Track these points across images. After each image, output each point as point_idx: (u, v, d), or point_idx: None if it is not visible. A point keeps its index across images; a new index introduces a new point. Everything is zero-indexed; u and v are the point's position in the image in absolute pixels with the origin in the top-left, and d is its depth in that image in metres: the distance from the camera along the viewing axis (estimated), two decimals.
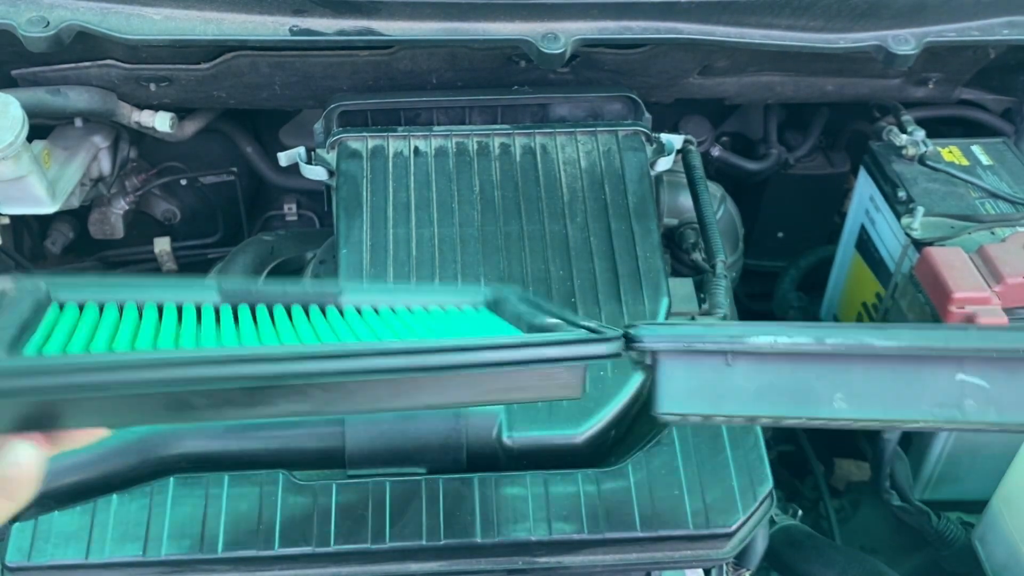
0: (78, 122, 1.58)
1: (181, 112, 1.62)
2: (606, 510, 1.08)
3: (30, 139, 1.38)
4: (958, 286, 1.33)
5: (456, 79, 1.53)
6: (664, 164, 1.47)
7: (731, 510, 1.09)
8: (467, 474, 1.11)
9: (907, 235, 1.51)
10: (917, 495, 1.57)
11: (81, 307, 0.72)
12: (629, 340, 0.83)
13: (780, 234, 2.07)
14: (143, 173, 1.87)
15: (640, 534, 1.07)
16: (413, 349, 0.70)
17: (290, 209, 2.02)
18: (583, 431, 1.14)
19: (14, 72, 1.47)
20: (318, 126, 1.44)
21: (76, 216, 1.85)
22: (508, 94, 1.48)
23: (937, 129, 1.77)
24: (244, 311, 0.79)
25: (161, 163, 1.89)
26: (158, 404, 0.64)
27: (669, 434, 1.16)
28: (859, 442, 1.64)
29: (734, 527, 1.09)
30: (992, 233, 1.48)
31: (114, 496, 1.07)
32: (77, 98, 1.47)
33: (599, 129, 1.43)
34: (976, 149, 1.68)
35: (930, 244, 1.45)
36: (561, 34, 1.39)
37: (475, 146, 1.41)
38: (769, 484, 1.12)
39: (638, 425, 1.23)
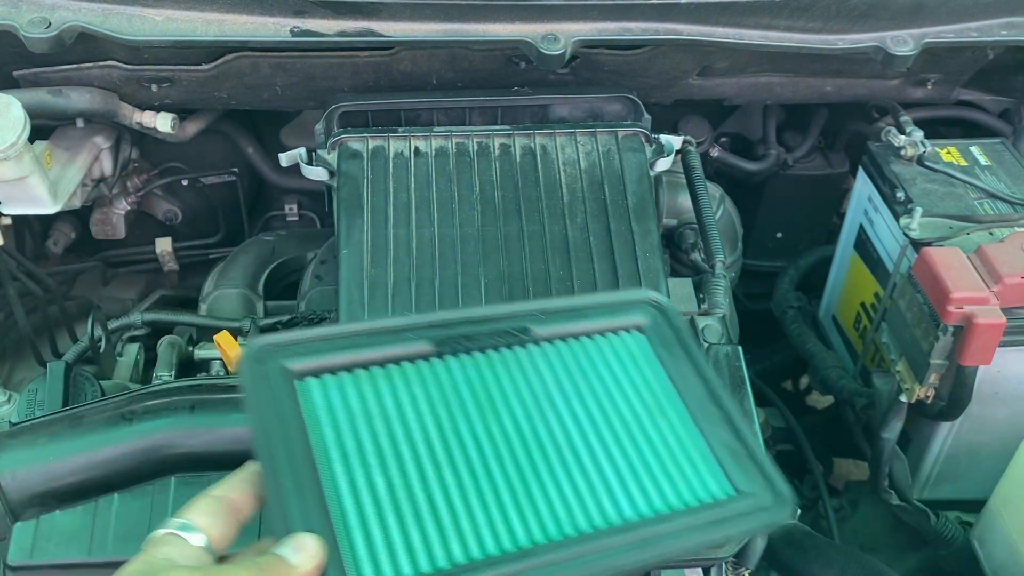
0: (80, 123, 1.58)
1: (182, 113, 1.63)
2: None
3: (32, 140, 1.38)
4: (956, 286, 1.33)
5: (456, 80, 1.53)
6: (663, 165, 1.48)
7: None
8: None
9: (905, 235, 1.51)
10: (916, 494, 1.58)
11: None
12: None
13: (779, 234, 2.07)
14: (144, 174, 1.87)
15: None
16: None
17: (291, 209, 2.02)
18: None
19: (16, 73, 1.47)
20: (319, 127, 1.45)
21: (77, 216, 1.86)
22: (508, 95, 1.49)
23: (936, 130, 1.78)
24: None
25: (162, 164, 1.89)
26: None
27: None
28: (858, 441, 1.64)
29: None
30: (990, 233, 1.48)
31: (116, 495, 1.08)
32: (79, 99, 1.48)
33: (599, 130, 1.44)
34: (974, 150, 1.68)
35: (928, 244, 1.46)
36: (561, 35, 1.40)
37: (475, 147, 1.41)
38: None
39: None
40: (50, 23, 1.33)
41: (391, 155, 1.39)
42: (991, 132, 1.80)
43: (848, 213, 1.78)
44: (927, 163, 1.62)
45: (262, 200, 2.07)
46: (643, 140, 1.44)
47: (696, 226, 1.57)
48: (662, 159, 1.47)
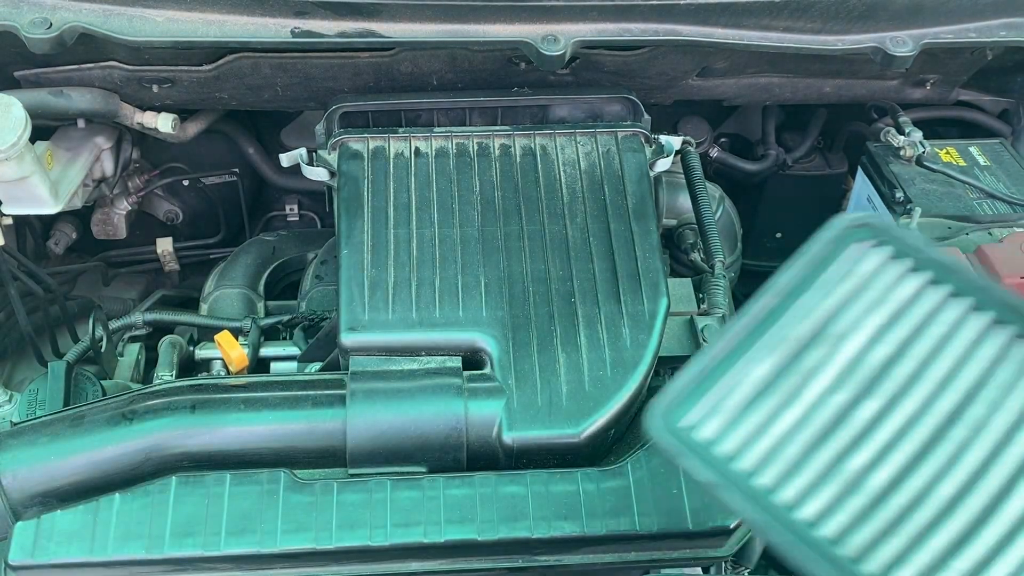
0: (81, 123, 1.58)
1: (183, 113, 1.63)
2: (605, 508, 1.09)
3: (33, 140, 1.39)
4: None
5: (456, 80, 1.54)
6: (663, 165, 1.48)
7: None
8: (467, 473, 1.12)
9: None
10: None
11: None
12: None
13: (778, 234, 2.07)
14: (145, 174, 1.87)
15: (639, 532, 1.08)
16: None
17: (292, 210, 2.03)
18: (583, 430, 1.14)
19: (17, 73, 1.48)
20: (319, 127, 1.45)
21: (79, 216, 1.86)
22: (508, 95, 1.49)
23: (935, 130, 1.78)
24: None
25: (163, 164, 1.90)
26: None
27: None
28: None
29: (733, 525, 1.10)
30: (989, 234, 1.49)
31: (117, 495, 1.08)
32: (80, 99, 1.48)
33: (599, 130, 1.44)
34: (973, 150, 1.68)
35: None
36: (561, 36, 1.40)
37: (475, 147, 1.41)
38: None
39: (637, 424, 1.24)
40: (51, 24, 1.34)
41: (391, 155, 1.40)
42: (990, 132, 1.81)
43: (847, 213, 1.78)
44: (926, 163, 1.62)
45: (262, 200, 2.07)
46: (643, 140, 1.45)
47: (696, 226, 1.58)
48: (662, 159, 1.47)
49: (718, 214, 1.76)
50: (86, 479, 1.09)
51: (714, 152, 1.90)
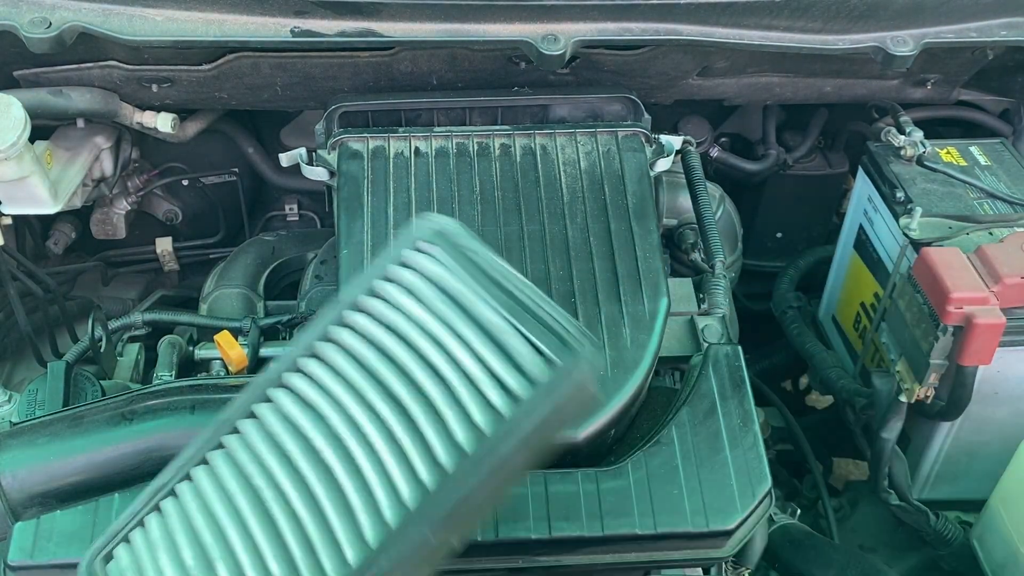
0: (80, 123, 1.58)
1: (183, 113, 1.63)
2: (605, 509, 1.09)
3: (32, 140, 1.39)
4: (956, 286, 1.33)
5: (456, 80, 1.53)
6: (663, 165, 1.48)
7: (730, 509, 1.10)
8: None
9: (905, 235, 1.51)
10: (915, 494, 1.58)
11: None
12: None
13: (779, 234, 2.07)
14: (145, 173, 1.87)
15: (639, 533, 1.08)
16: None
17: (291, 209, 2.02)
18: (583, 430, 1.14)
19: (16, 73, 1.47)
20: (319, 127, 1.45)
21: (78, 216, 1.86)
22: (508, 95, 1.49)
23: (935, 130, 1.78)
24: None
25: (163, 164, 1.89)
26: None
27: (668, 434, 1.16)
28: (858, 441, 1.64)
29: (733, 526, 1.10)
30: (990, 233, 1.48)
31: (116, 495, 1.08)
32: (79, 99, 1.48)
33: (599, 130, 1.44)
34: (974, 150, 1.68)
35: (928, 244, 1.46)
36: (561, 36, 1.40)
37: (475, 147, 1.41)
38: (768, 483, 1.12)
39: (638, 425, 1.24)
40: (51, 23, 1.33)
41: (391, 155, 1.39)
42: (991, 132, 1.80)
43: (848, 213, 1.78)
44: (927, 163, 1.62)
45: (262, 200, 2.07)
46: (643, 140, 1.44)
47: (696, 226, 1.58)
48: (662, 159, 1.47)
49: (718, 214, 1.76)
50: (86, 479, 1.09)
51: (714, 152, 1.89)
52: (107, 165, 1.69)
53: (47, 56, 1.38)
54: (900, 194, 1.57)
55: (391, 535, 0.86)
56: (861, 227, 1.71)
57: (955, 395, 1.40)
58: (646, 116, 1.48)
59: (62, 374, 1.39)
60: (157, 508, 0.94)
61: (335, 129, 1.44)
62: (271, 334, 1.51)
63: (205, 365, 1.51)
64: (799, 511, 1.57)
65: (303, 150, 1.46)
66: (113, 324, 1.60)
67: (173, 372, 1.47)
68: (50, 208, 1.48)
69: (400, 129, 1.43)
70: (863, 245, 1.71)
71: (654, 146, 1.46)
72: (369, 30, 1.40)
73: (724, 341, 1.29)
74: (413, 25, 1.41)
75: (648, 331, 1.22)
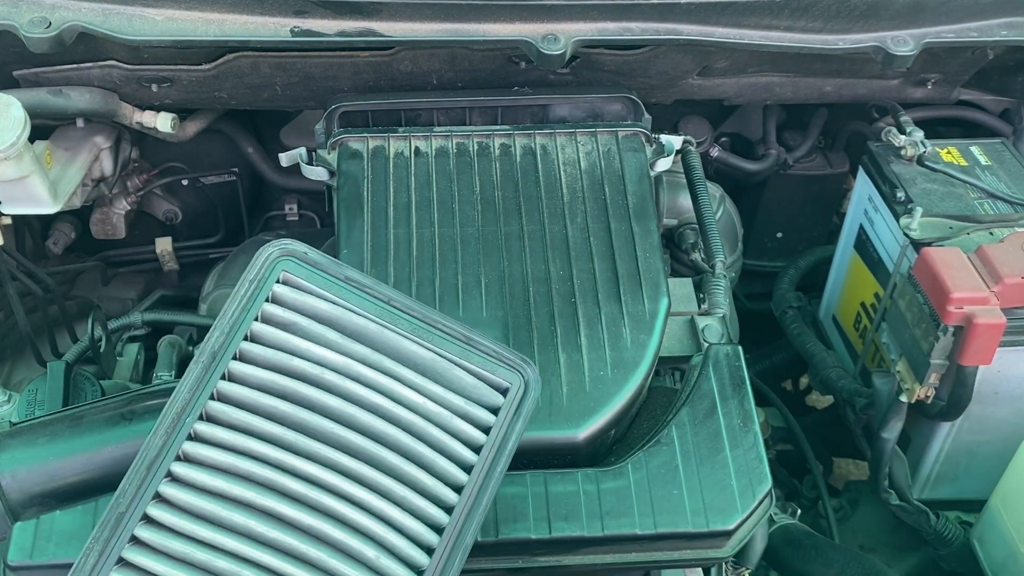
0: (80, 123, 1.58)
1: (182, 113, 1.63)
2: (605, 509, 1.09)
3: (32, 139, 1.38)
4: (956, 286, 1.33)
5: (456, 80, 1.53)
6: (663, 165, 1.48)
7: (730, 509, 1.10)
8: None
9: (906, 235, 1.51)
10: (916, 494, 1.58)
11: None
12: None
13: (779, 234, 2.07)
14: (145, 173, 1.87)
15: (639, 533, 1.08)
16: None
17: (291, 209, 2.02)
18: (583, 430, 1.14)
19: (16, 72, 1.47)
20: (319, 127, 1.45)
21: (78, 216, 1.86)
22: (508, 95, 1.49)
23: (936, 130, 1.78)
24: None
25: (163, 163, 1.89)
26: None
27: (669, 434, 1.16)
28: (858, 441, 1.64)
29: (733, 526, 1.09)
30: (990, 233, 1.48)
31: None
32: (79, 99, 1.48)
33: (599, 130, 1.44)
34: (975, 150, 1.68)
35: (929, 244, 1.46)
36: (561, 35, 1.40)
37: (475, 147, 1.41)
38: (768, 483, 1.12)
39: (638, 425, 1.24)
40: (50, 23, 1.33)
41: (391, 155, 1.39)
42: (991, 132, 1.80)
43: (848, 213, 1.78)
44: (927, 163, 1.62)
45: (262, 200, 2.07)
46: (643, 140, 1.44)
47: (696, 226, 1.57)
48: (662, 159, 1.47)
49: (718, 214, 1.76)
50: (85, 479, 1.09)
51: (715, 152, 1.89)
52: (107, 165, 1.69)
53: (47, 56, 1.38)
54: (900, 194, 1.57)
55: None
56: (861, 227, 1.71)
57: (955, 395, 1.40)
58: (646, 116, 1.48)
59: (62, 374, 1.39)
60: None
61: (335, 129, 1.44)
62: None
63: None
64: (799, 511, 1.57)
65: (303, 150, 1.46)
66: (113, 324, 1.60)
67: (173, 372, 1.47)
68: (50, 208, 1.48)
69: (400, 129, 1.43)
70: (863, 245, 1.71)
71: (654, 146, 1.46)
72: (369, 30, 1.40)
73: (724, 341, 1.29)
74: (413, 25, 1.41)
75: (648, 331, 1.22)
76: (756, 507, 1.11)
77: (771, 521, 1.48)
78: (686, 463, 1.13)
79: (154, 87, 1.51)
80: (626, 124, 1.46)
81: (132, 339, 1.64)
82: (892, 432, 1.48)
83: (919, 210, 1.50)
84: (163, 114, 1.57)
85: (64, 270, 1.87)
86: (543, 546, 1.08)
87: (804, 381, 2.16)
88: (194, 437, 0.92)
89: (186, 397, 0.92)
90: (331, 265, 0.99)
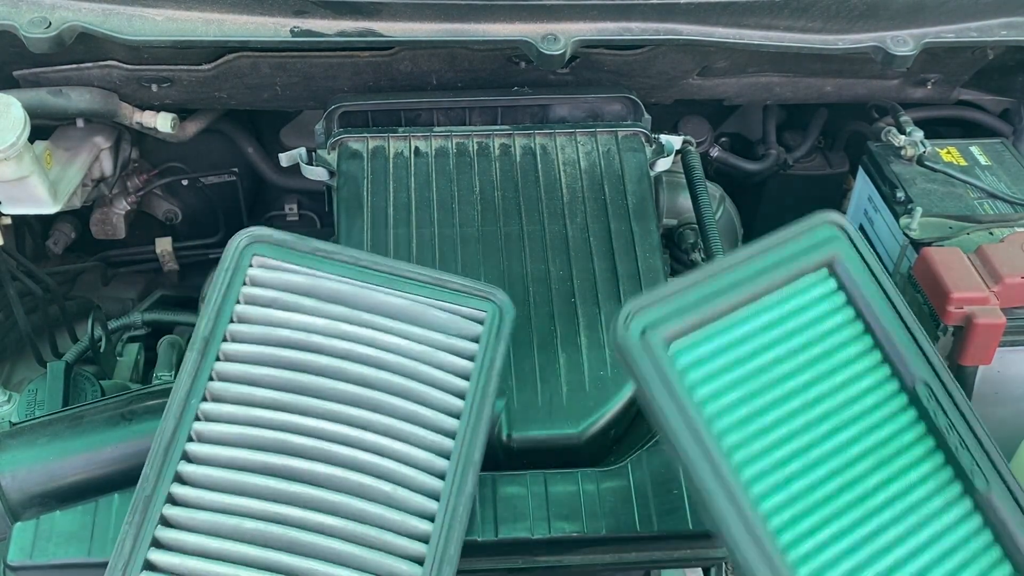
0: (80, 123, 1.58)
1: (182, 113, 1.63)
2: (605, 509, 1.09)
3: (32, 140, 1.39)
4: (956, 286, 1.33)
5: (456, 80, 1.53)
6: (663, 165, 1.48)
7: None
8: None
9: (905, 235, 1.51)
10: None
11: None
12: None
13: None
14: (145, 173, 1.87)
15: (639, 532, 1.08)
16: None
17: (291, 209, 2.03)
18: (583, 430, 1.14)
19: (16, 73, 1.47)
20: (319, 127, 1.45)
21: (78, 216, 1.86)
22: (508, 95, 1.49)
23: (936, 130, 1.78)
24: None
25: (163, 163, 1.89)
26: None
27: None
28: None
29: None
30: (990, 233, 1.48)
31: (116, 495, 1.07)
32: (79, 99, 1.48)
33: (599, 130, 1.44)
34: (974, 150, 1.68)
35: (928, 244, 1.46)
36: (561, 35, 1.40)
37: (475, 147, 1.41)
38: None
39: (638, 424, 1.24)
40: (50, 23, 1.33)
41: (391, 155, 1.39)
42: (991, 132, 1.80)
43: (848, 213, 1.78)
44: (927, 163, 1.62)
45: (262, 200, 2.07)
46: (643, 140, 1.44)
47: (696, 226, 1.58)
48: (662, 159, 1.47)
49: (718, 214, 1.76)
50: (85, 479, 1.09)
51: (714, 152, 1.89)
52: (107, 165, 1.69)
53: (47, 56, 1.38)
54: (900, 194, 1.57)
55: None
56: (861, 227, 1.71)
57: None
58: (646, 116, 1.48)
59: (62, 374, 1.39)
60: None
61: (335, 129, 1.44)
62: None
63: None
64: None
65: (303, 150, 1.46)
66: (113, 324, 1.61)
67: (173, 372, 1.47)
68: (50, 208, 1.48)
69: (400, 129, 1.43)
70: None
71: (654, 146, 1.46)
72: (369, 30, 1.40)
73: None
74: (413, 25, 1.41)
75: None
76: None
77: None
78: None
79: (154, 87, 1.51)
80: (626, 124, 1.46)
81: (132, 339, 1.64)
82: None
83: (919, 210, 1.51)
84: (163, 114, 1.57)
85: (64, 270, 1.87)
86: (543, 546, 1.08)
87: None
88: (202, 417, 0.98)
89: (187, 382, 0.98)
90: (298, 241, 1.06)
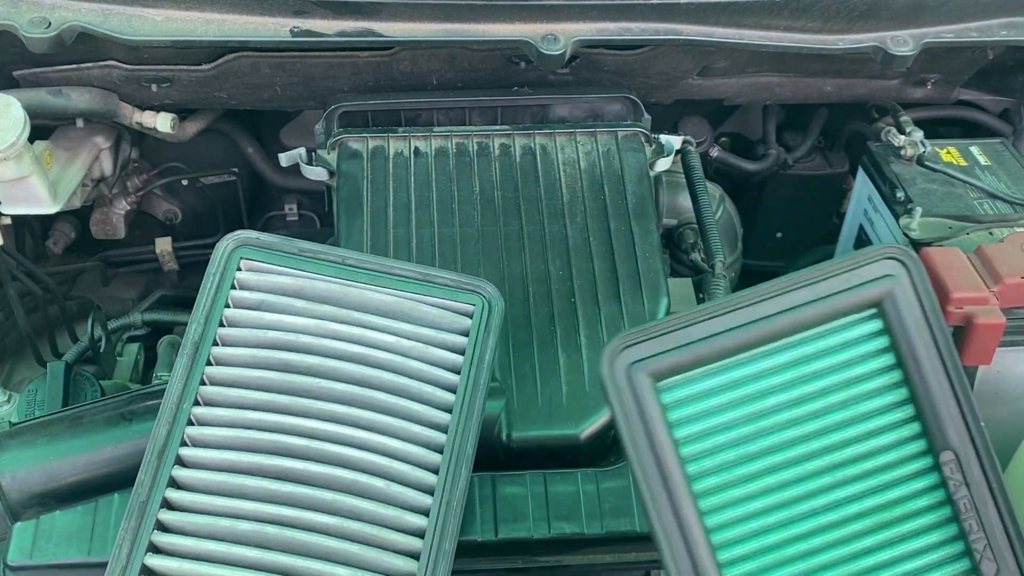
0: (80, 123, 1.58)
1: (182, 113, 1.63)
2: (605, 509, 1.09)
3: (32, 140, 1.39)
4: (957, 286, 1.33)
5: (456, 80, 1.53)
6: (663, 165, 1.48)
7: None
8: None
9: (905, 235, 1.51)
10: None
11: None
12: None
13: (779, 234, 2.07)
14: (144, 173, 1.87)
15: (639, 532, 1.08)
16: None
17: (291, 209, 2.02)
18: (583, 430, 1.14)
19: (16, 73, 1.47)
20: (319, 127, 1.45)
21: (78, 216, 1.86)
22: (508, 95, 1.49)
23: (935, 130, 1.78)
24: None
25: (162, 163, 1.89)
26: None
27: None
28: None
29: None
30: (990, 233, 1.48)
31: (116, 495, 1.07)
32: (79, 99, 1.48)
33: (598, 130, 1.44)
34: (974, 150, 1.68)
35: (928, 244, 1.45)
36: (561, 35, 1.40)
37: (475, 147, 1.41)
38: None
39: None
40: (50, 23, 1.33)
41: (391, 155, 1.39)
42: (991, 132, 1.80)
43: (848, 213, 1.78)
44: (927, 163, 1.62)
45: (262, 200, 2.07)
46: (643, 140, 1.44)
47: (696, 226, 1.57)
48: (662, 159, 1.47)
49: (718, 214, 1.76)
50: (85, 479, 1.09)
51: (714, 152, 1.89)
52: (107, 165, 1.69)
53: (46, 56, 1.38)
54: (900, 194, 1.57)
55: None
56: (861, 227, 1.71)
57: None
58: (646, 116, 1.48)
59: (61, 374, 1.39)
60: None
61: (335, 129, 1.44)
62: None
63: None
64: None
65: (303, 150, 1.46)
66: (113, 324, 1.61)
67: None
68: (50, 208, 1.48)
69: (400, 129, 1.43)
70: (863, 245, 1.71)
71: (654, 146, 1.46)
72: (369, 30, 1.40)
73: None
74: (413, 25, 1.41)
75: None
76: None
77: None
78: None
79: (154, 87, 1.51)
80: (626, 124, 1.46)
81: (132, 339, 1.64)
82: None
83: (919, 210, 1.50)
84: (163, 114, 1.57)
85: (64, 270, 1.87)
86: (543, 546, 1.08)
87: None
88: (194, 422, 0.98)
89: (179, 387, 0.98)
90: (283, 243, 1.06)
